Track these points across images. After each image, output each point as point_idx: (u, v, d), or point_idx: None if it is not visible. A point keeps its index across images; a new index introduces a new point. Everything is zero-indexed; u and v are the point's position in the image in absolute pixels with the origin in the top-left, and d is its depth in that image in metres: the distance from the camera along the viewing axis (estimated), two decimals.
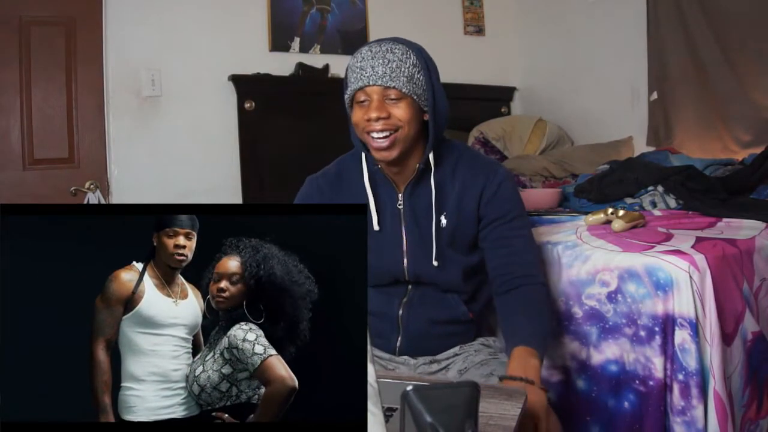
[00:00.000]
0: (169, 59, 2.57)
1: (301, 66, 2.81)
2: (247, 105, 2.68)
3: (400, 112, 1.17)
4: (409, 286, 1.29)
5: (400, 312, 1.28)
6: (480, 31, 3.53)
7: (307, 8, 2.93)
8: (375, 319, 1.29)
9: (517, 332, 1.18)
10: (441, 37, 3.31)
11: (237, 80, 2.68)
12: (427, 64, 1.21)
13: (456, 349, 1.30)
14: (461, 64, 3.29)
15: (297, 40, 2.90)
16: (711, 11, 2.63)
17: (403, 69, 1.16)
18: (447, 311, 1.29)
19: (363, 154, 1.28)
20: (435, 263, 1.25)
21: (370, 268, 1.21)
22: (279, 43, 2.86)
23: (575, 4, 3.24)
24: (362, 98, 1.18)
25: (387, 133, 1.18)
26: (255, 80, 2.70)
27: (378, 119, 1.17)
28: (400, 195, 1.28)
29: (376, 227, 1.25)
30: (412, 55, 1.18)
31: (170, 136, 2.58)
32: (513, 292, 1.24)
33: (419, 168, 1.25)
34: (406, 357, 1.30)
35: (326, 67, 2.87)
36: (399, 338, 1.29)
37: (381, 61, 1.16)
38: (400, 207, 1.28)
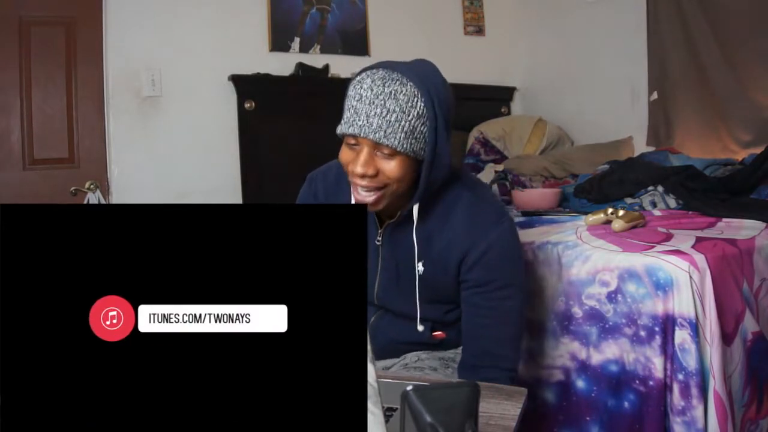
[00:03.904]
0: (169, 59, 2.57)
1: (301, 66, 2.81)
2: (247, 105, 2.68)
3: (392, 169, 1.03)
4: (380, 308, 1.25)
5: (372, 320, 1.26)
6: (480, 31, 3.53)
7: (307, 8, 2.93)
8: None
9: None
10: (441, 37, 3.32)
11: (237, 80, 2.68)
12: (435, 109, 1.03)
13: (421, 354, 1.25)
14: (461, 64, 3.29)
15: (297, 40, 2.90)
16: (711, 11, 2.63)
17: (402, 123, 1.00)
18: (414, 336, 1.22)
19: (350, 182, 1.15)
20: (420, 327, 1.18)
21: None
22: (279, 43, 2.86)
23: (575, 4, 3.24)
24: (352, 142, 1.04)
25: (372, 190, 1.05)
26: (255, 80, 2.70)
27: (364, 176, 1.03)
28: (380, 231, 1.17)
29: None
30: (419, 103, 1.01)
31: (170, 136, 2.58)
32: (476, 376, 1.10)
33: (402, 215, 1.12)
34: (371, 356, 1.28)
35: (326, 67, 2.87)
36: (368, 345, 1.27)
37: (378, 110, 0.99)
38: (378, 243, 1.18)
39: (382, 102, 1.00)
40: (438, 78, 1.07)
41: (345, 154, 1.07)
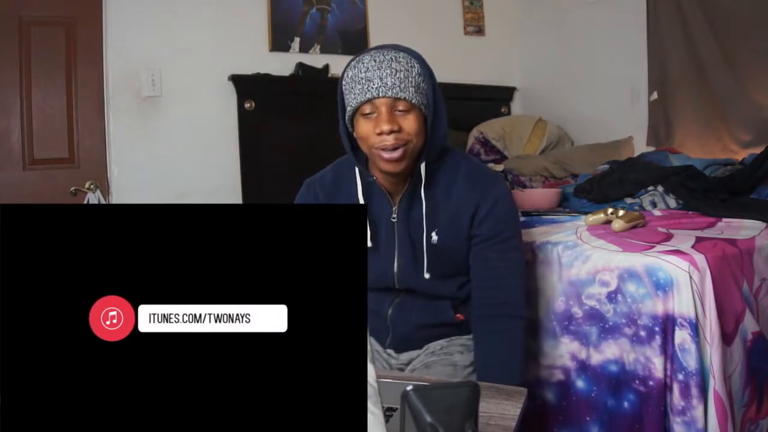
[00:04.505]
0: (169, 59, 2.57)
1: (301, 66, 2.81)
2: (247, 105, 2.68)
3: (409, 124, 1.14)
4: (400, 292, 1.30)
5: (390, 312, 1.30)
6: (480, 31, 3.53)
7: (307, 8, 2.93)
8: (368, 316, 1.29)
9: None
10: (441, 37, 3.32)
11: (237, 80, 2.68)
12: (429, 73, 1.18)
13: (434, 343, 1.31)
14: (461, 64, 3.29)
15: (297, 40, 2.90)
16: (711, 11, 2.63)
17: (410, 79, 1.12)
18: (435, 316, 1.29)
19: (357, 169, 1.24)
20: (426, 275, 1.23)
21: None
22: (279, 43, 2.86)
23: (575, 4, 3.24)
24: (369, 110, 1.13)
25: (398, 147, 1.14)
26: (255, 80, 2.70)
27: (391, 132, 1.12)
28: (394, 208, 1.25)
29: (369, 243, 1.23)
30: (416, 64, 1.15)
31: (170, 136, 2.58)
32: (491, 327, 1.21)
33: (411, 181, 1.22)
34: (391, 351, 1.32)
35: (326, 67, 2.87)
36: (389, 337, 1.31)
37: (388, 71, 1.11)
38: (394, 220, 1.25)
39: (389, 65, 1.12)
40: (419, 53, 1.19)
41: (363, 126, 1.15)
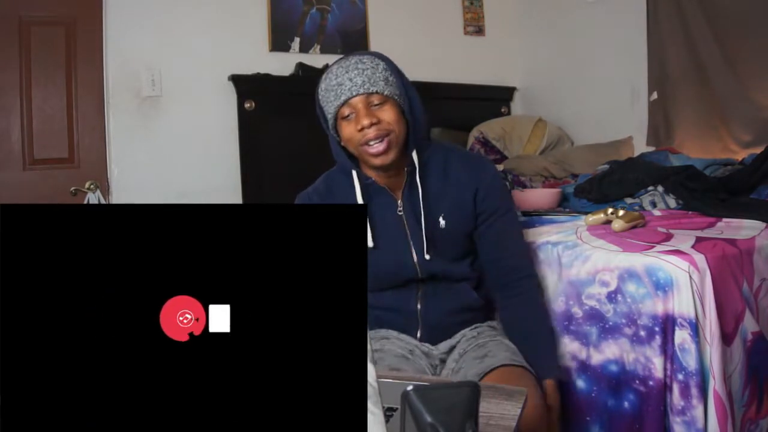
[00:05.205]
0: (169, 59, 2.57)
1: (301, 66, 2.81)
2: (247, 105, 2.68)
3: (387, 114, 1.21)
4: (423, 283, 1.34)
5: (418, 306, 1.33)
6: (480, 31, 3.52)
7: (307, 8, 2.93)
8: (395, 315, 1.34)
9: (537, 358, 1.29)
10: (441, 37, 3.32)
11: (237, 80, 2.68)
12: (396, 69, 1.26)
13: (467, 330, 1.36)
14: (461, 64, 3.29)
15: (297, 40, 2.91)
16: (711, 11, 2.62)
17: (378, 74, 1.21)
18: (461, 300, 1.34)
19: (354, 172, 1.29)
20: (427, 256, 1.29)
21: (385, 275, 1.29)
22: (279, 43, 2.86)
23: (575, 4, 3.23)
24: (347, 113, 1.21)
25: (381, 138, 1.21)
26: (255, 80, 2.70)
27: (371, 125, 1.19)
28: (399, 202, 1.31)
29: (370, 243, 1.28)
30: (380, 62, 1.23)
31: (170, 136, 2.58)
32: (512, 291, 1.34)
33: (408, 171, 1.29)
34: (427, 344, 1.35)
35: (326, 68, 2.85)
36: (419, 331, 1.34)
37: (356, 71, 1.20)
38: (401, 213, 1.31)
39: (355, 66, 1.21)
40: (384, 55, 1.28)
41: (346, 128, 1.23)
